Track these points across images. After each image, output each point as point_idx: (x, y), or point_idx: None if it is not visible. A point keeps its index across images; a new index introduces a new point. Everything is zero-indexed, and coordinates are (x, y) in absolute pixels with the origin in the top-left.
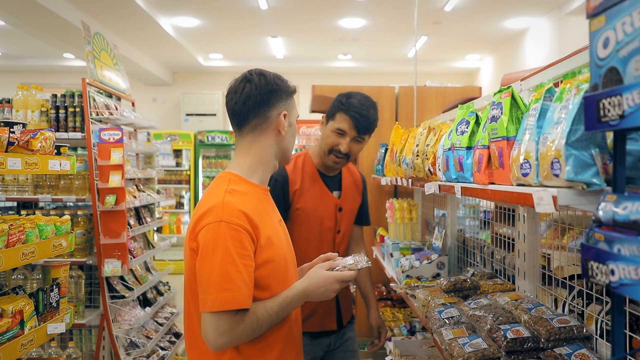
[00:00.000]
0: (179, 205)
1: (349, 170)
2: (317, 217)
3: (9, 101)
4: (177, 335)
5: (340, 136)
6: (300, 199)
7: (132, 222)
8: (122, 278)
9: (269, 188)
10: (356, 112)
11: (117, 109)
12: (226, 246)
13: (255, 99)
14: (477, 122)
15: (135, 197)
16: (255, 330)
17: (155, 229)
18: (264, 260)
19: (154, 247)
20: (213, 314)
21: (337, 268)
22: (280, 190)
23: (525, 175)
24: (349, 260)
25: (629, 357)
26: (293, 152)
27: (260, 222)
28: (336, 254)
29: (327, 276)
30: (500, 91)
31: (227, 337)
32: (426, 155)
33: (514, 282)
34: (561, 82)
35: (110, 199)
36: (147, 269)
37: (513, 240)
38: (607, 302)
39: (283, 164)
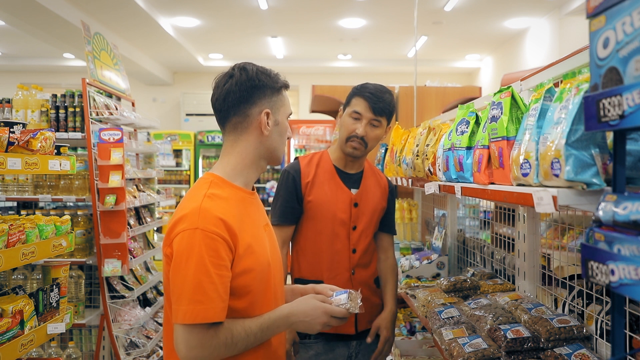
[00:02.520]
0: None
1: (373, 172)
2: (330, 210)
3: (9, 101)
4: None
5: (356, 120)
6: (312, 192)
7: (132, 222)
8: (122, 278)
9: (255, 191)
10: (371, 93)
11: (117, 109)
12: (201, 255)
13: (235, 95)
14: (477, 122)
15: (135, 197)
16: (230, 348)
17: (155, 229)
18: (242, 269)
19: (154, 247)
20: (185, 327)
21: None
22: (292, 183)
23: (525, 175)
24: (343, 299)
25: (629, 357)
26: (307, 153)
27: (240, 230)
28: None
29: (316, 305)
30: (500, 91)
31: (198, 351)
32: (426, 155)
33: (514, 282)
34: (561, 82)
35: (110, 199)
36: (147, 269)
37: (513, 240)
38: (607, 302)
39: (273, 164)
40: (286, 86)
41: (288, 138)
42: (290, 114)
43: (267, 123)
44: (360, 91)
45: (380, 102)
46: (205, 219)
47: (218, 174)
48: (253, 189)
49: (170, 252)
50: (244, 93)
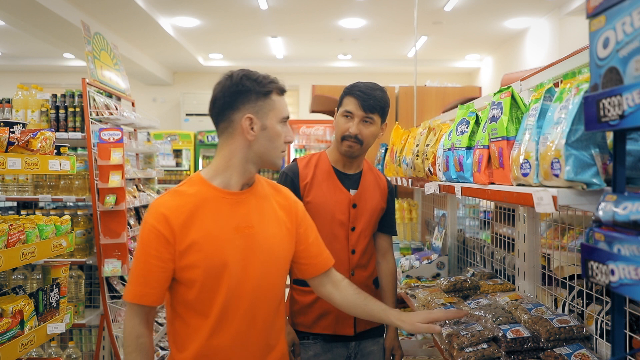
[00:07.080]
0: None
1: (372, 172)
2: (328, 211)
3: (9, 101)
4: None
5: (349, 119)
6: (310, 192)
7: (132, 222)
8: (122, 278)
9: (244, 191)
10: (360, 91)
11: (117, 109)
12: (142, 243)
13: (220, 102)
14: (477, 122)
15: (135, 197)
16: (131, 344)
17: None
18: (185, 264)
19: None
20: (127, 303)
21: None
22: (290, 184)
23: (525, 175)
24: None
25: (629, 357)
26: (307, 153)
27: (185, 226)
28: None
29: None
30: (500, 91)
31: (127, 324)
32: (426, 155)
33: (514, 282)
34: (561, 82)
35: (110, 199)
36: None
37: (513, 240)
38: (607, 302)
39: (270, 168)
40: (279, 90)
41: (289, 142)
42: (286, 118)
43: (252, 128)
44: (351, 90)
45: (371, 100)
46: (151, 213)
47: (201, 173)
48: (242, 188)
49: None
50: (227, 99)
